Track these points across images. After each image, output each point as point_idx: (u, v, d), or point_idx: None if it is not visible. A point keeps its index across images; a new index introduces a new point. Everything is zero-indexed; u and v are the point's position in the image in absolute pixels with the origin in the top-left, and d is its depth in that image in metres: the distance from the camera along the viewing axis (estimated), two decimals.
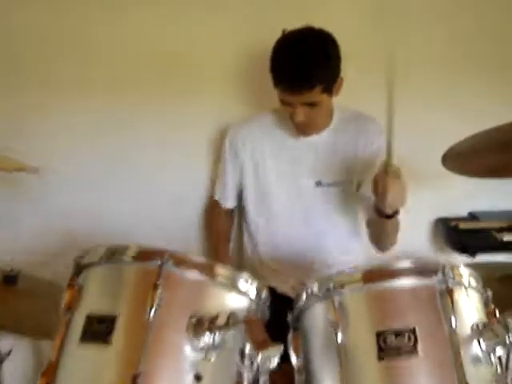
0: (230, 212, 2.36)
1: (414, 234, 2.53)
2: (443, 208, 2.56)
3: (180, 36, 2.35)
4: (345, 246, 2.21)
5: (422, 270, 1.27)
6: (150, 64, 2.36)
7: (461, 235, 2.43)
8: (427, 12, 2.41)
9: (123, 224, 2.42)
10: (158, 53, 2.36)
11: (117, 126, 2.39)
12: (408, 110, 2.35)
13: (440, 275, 1.25)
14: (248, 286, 1.37)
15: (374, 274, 1.28)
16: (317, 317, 1.34)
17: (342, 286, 1.28)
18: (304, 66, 1.86)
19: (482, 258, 2.30)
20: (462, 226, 2.45)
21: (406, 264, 1.28)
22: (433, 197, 2.49)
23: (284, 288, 2.09)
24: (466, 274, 1.31)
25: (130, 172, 2.43)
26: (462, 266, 1.31)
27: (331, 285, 1.29)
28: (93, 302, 1.35)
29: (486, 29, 2.46)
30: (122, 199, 2.43)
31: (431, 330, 1.22)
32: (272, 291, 2.00)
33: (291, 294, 2.01)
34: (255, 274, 2.11)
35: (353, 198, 2.15)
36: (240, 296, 1.36)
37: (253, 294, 1.38)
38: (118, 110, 2.37)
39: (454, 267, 1.28)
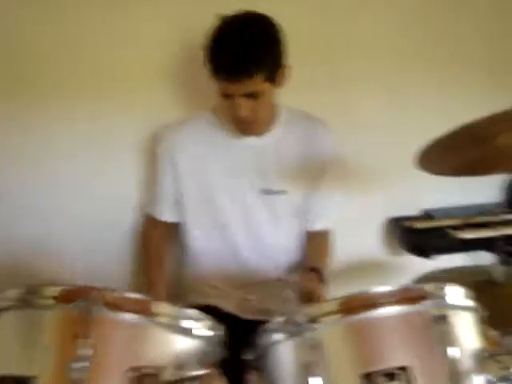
0: (170, 226, 2.09)
1: (365, 235, 2.43)
2: (395, 207, 2.42)
3: (105, 34, 2.10)
4: (294, 259, 2.04)
5: (410, 294, 1.06)
6: (76, 66, 2.10)
7: (416, 235, 2.30)
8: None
9: (46, 244, 2.16)
10: (83, 52, 2.10)
11: (40, 133, 2.12)
12: (358, 107, 2.27)
13: (432, 298, 1.05)
14: (196, 324, 1.14)
15: (354, 304, 1.05)
16: (285, 356, 1.11)
17: (316, 320, 1.05)
18: (243, 49, 1.67)
19: (443, 259, 2.18)
20: (417, 225, 2.31)
21: (390, 289, 1.07)
22: (384, 195, 2.36)
23: (228, 306, 1.94)
24: (460, 294, 1.11)
25: (55, 185, 2.16)
26: (455, 285, 1.11)
27: (302, 318, 1.06)
28: (3, 358, 1.08)
29: (460, 21, 2.35)
30: (44, 217, 2.17)
31: (428, 366, 1.01)
32: (215, 311, 1.88)
33: (237, 312, 1.93)
34: (196, 293, 2.00)
35: (300, 208, 1.99)
36: (188, 337, 1.12)
37: (204, 332, 1.15)
38: (41, 115, 2.11)
39: (446, 287, 1.09)
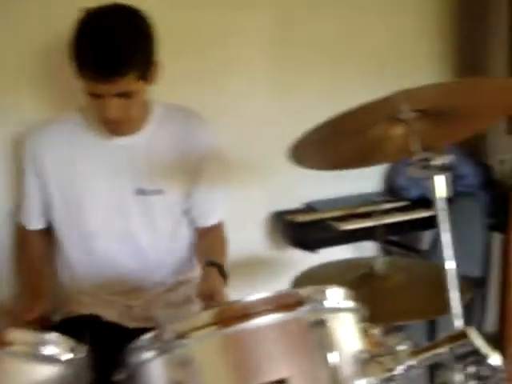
0: (42, 234, 1.96)
1: (248, 231, 2.40)
2: (277, 201, 2.41)
3: None
4: (175, 262, 1.94)
5: (286, 300, 1.00)
6: None
7: (298, 229, 2.29)
8: None
9: None
10: None
11: None
12: (233, 99, 2.25)
13: (309, 303, 0.99)
14: (57, 349, 1.03)
15: (227, 315, 0.97)
16: (156, 375, 1.01)
17: (185, 336, 0.96)
18: (113, 46, 1.57)
19: (329, 251, 2.18)
20: (299, 218, 2.31)
21: (265, 296, 1.00)
22: (265, 189, 2.35)
23: (111, 315, 1.84)
24: (339, 295, 1.06)
25: None
26: (333, 287, 1.05)
27: (170, 334, 0.97)
28: None
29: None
30: None
31: (308, 375, 0.96)
32: (97, 320, 1.79)
33: (120, 321, 1.82)
34: (76, 303, 1.87)
35: (181, 207, 1.90)
36: (49, 365, 1.02)
37: (66, 356, 1.04)
38: None
39: (323, 290, 1.03)
